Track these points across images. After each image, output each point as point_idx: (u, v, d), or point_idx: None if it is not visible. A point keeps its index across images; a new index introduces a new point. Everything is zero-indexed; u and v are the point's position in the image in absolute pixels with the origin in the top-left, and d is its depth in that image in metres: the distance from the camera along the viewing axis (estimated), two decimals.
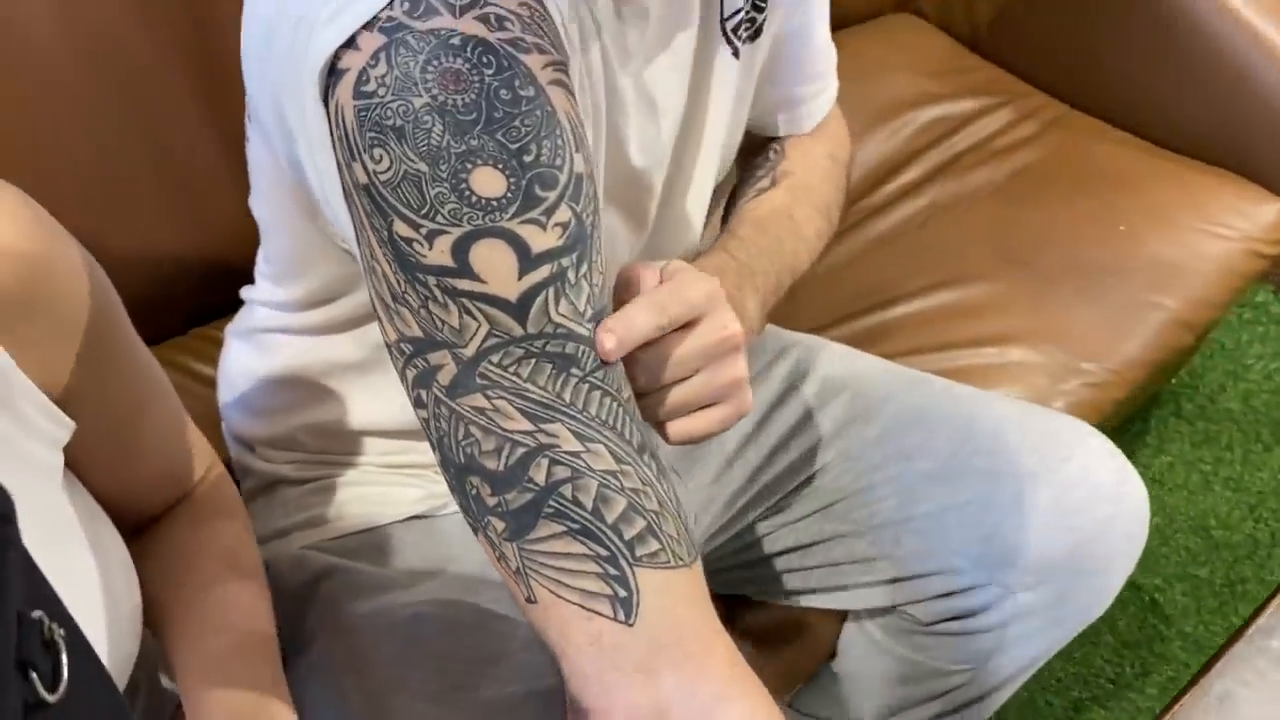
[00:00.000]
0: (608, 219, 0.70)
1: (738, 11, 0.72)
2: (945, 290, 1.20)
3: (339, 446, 0.80)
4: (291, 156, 0.58)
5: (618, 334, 0.52)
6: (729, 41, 0.73)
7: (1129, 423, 1.57)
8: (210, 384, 0.90)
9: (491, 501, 0.51)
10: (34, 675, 0.31)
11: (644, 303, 0.55)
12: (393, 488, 0.80)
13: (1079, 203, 1.31)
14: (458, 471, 0.52)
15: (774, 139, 0.86)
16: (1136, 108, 1.43)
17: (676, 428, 0.59)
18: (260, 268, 0.80)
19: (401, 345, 0.52)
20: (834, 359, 0.91)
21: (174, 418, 0.67)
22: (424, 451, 0.58)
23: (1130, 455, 0.81)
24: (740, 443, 0.88)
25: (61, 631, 0.33)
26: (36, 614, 0.32)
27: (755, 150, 0.86)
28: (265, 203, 0.73)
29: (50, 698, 0.31)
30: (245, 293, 0.84)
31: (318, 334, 0.77)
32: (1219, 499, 1.55)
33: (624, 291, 0.57)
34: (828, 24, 0.83)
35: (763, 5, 0.75)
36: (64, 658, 0.33)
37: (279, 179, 0.66)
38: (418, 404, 0.53)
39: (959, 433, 0.82)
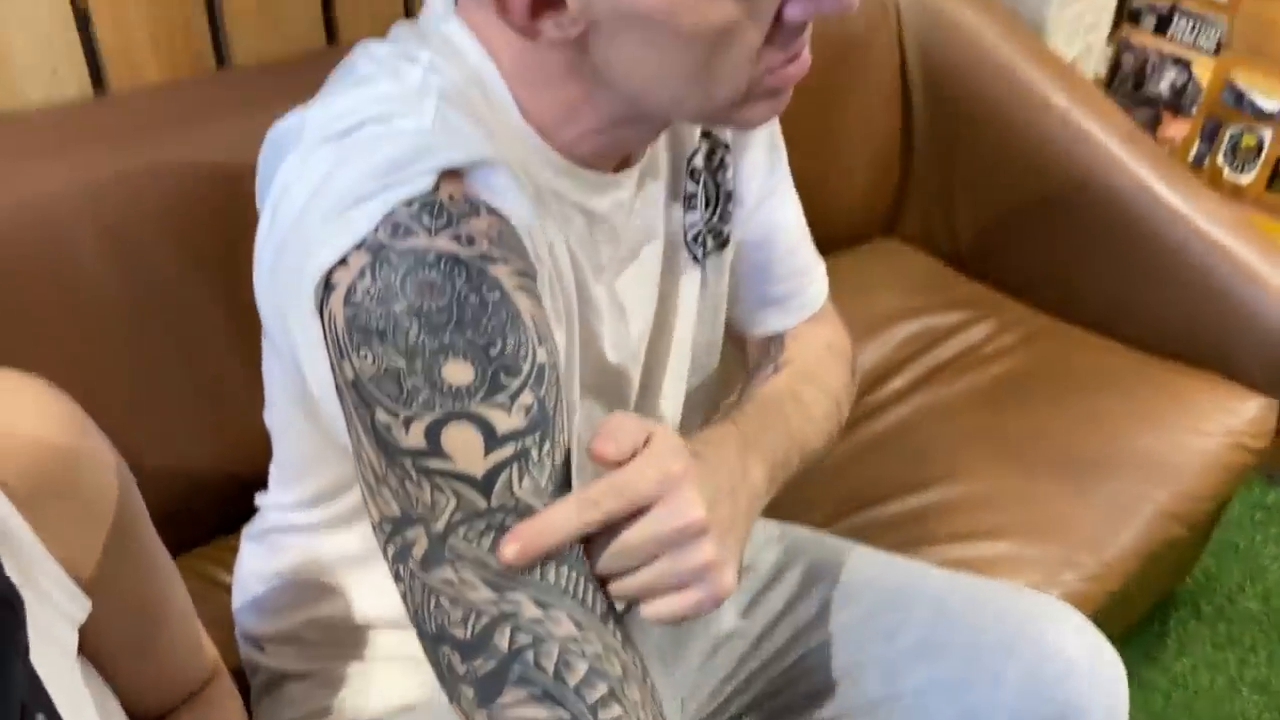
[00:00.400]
0: (590, 409, 0.77)
1: (696, 225, 0.81)
2: (936, 487, 1.24)
3: (343, 640, 0.84)
4: (295, 363, 0.66)
5: (523, 540, 0.54)
6: (691, 253, 0.82)
7: (1147, 624, 1.56)
8: (230, 590, 0.95)
9: (461, 670, 0.55)
10: None
11: (572, 500, 0.56)
12: (394, 678, 0.83)
13: (1064, 405, 1.37)
14: (431, 642, 0.56)
15: (774, 336, 0.90)
16: (1115, 317, 1.51)
17: (649, 610, 0.59)
18: (272, 473, 0.87)
19: (383, 524, 0.57)
20: (819, 546, 0.94)
21: (186, 622, 0.71)
22: None
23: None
24: (727, 629, 0.90)
25: None
26: (40, 717, 0.36)
27: (758, 349, 0.91)
28: (275, 411, 0.81)
29: None
30: (259, 498, 0.91)
31: (322, 530, 0.83)
32: (1247, 703, 1.51)
33: (600, 444, 0.59)
34: (800, 226, 0.90)
35: (729, 216, 0.84)
36: None
37: (286, 387, 0.74)
38: (397, 579, 0.57)
39: (937, 610, 0.85)
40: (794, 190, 0.90)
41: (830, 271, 0.92)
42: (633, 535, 0.57)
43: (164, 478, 0.96)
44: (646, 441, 0.59)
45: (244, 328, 0.99)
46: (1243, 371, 1.41)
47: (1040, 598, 0.87)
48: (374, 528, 0.58)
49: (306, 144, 0.62)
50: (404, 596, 0.57)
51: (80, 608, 0.58)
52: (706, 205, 0.82)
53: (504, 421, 0.56)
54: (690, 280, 0.82)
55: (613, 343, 0.77)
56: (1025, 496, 1.23)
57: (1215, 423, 1.35)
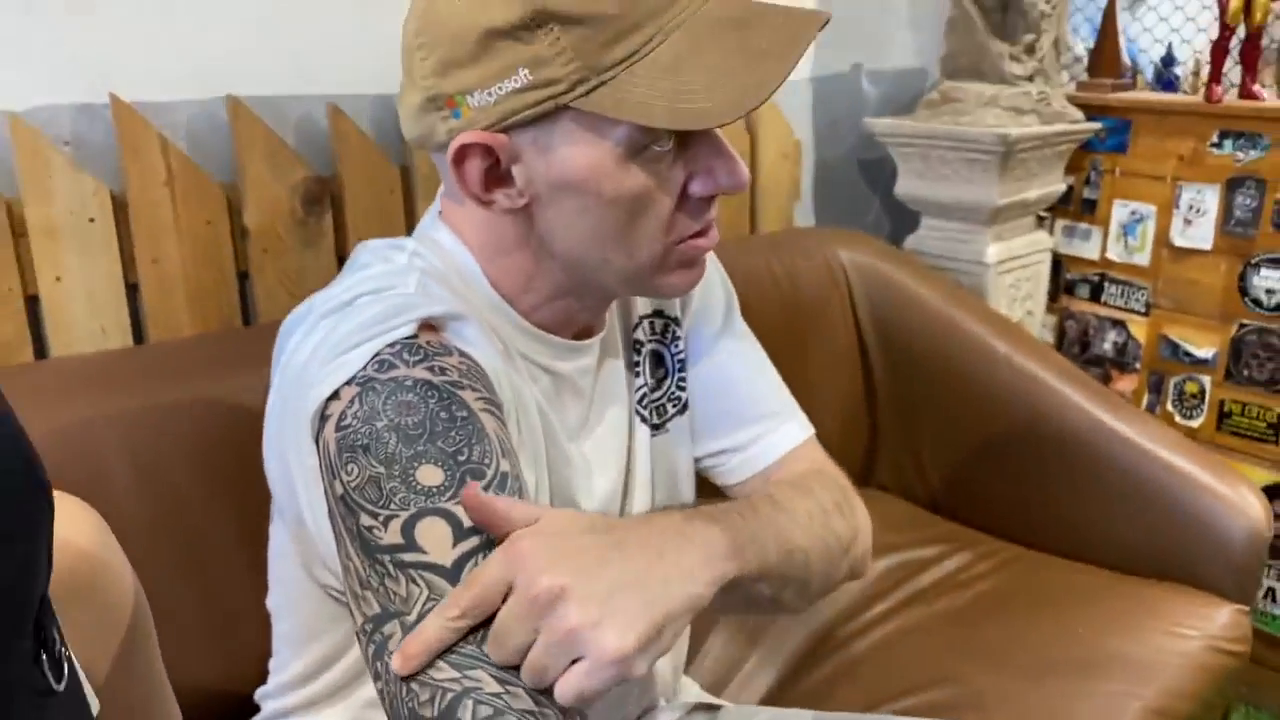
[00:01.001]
0: None
1: (642, 390, 0.92)
2: (928, 691, 1.25)
3: None
4: (295, 513, 0.75)
5: (405, 653, 0.58)
6: (641, 417, 0.92)
7: None
8: None
9: None
10: (44, 658, 0.41)
11: (436, 610, 0.59)
12: None
13: (1041, 618, 1.41)
14: None
15: (738, 485, 0.96)
16: (1083, 541, 1.57)
17: (557, 694, 0.58)
18: (272, 664, 0.93)
19: (365, 626, 0.63)
20: None
21: None
22: None
23: None
24: None
25: (66, 651, 0.43)
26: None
27: (747, 478, 0.95)
28: (278, 588, 0.88)
29: (57, 686, 0.41)
30: (259, 695, 0.95)
31: (315, 706, 0.88)
32: None
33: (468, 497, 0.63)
34: (762, 374, 0.96)
35: (685, 383, 0.95)
36: (65, 664, 0.42)
37: (284, 552, 0.82)
38: (375, 677, 0.62)
39: None
40: (762, 354, 0.98)
41: None
42: (498, 620, 0.59)
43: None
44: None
45: (255, 552, 1.08)
46: (1211, 582, 1.45)
47: None
48: (357, 635, 0.64)
49: (310, 320, 0.75)
50: (381, 693, 0.62)
51: (92, 707, 0.63)
52: (654, 374, 0.93)
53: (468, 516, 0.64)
54: (642, 444, 0.92)
55: (585, 493, 0.85)
56: (1015, 696, 1.25)
57: (1190, 628, 1.38)
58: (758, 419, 0.94)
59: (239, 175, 1.30)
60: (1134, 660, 1.32)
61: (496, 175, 0.74)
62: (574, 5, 0.68)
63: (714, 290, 0.97)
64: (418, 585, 0.61)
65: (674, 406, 0.94)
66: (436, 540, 0.62)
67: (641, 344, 0.92)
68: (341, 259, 1.40)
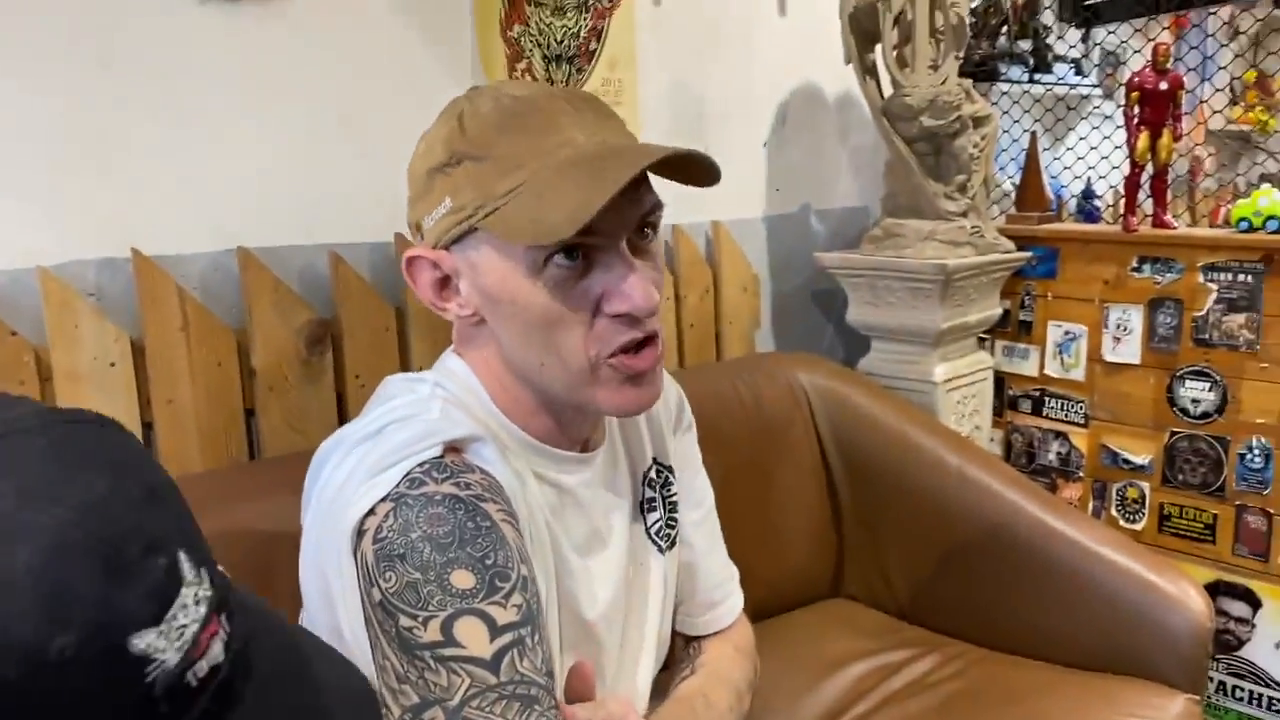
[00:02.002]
0: (570, 662, 0.92)
1: (658, 522, 1.03)
2: None
3: None
4: (333, 625, 0.82)
5: None
6: (656, 545, 1.02)
7: None
8: None
9: None
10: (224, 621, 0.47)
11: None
12: None
13: (1008, 714, 1.49)
14: None
15: (691, 640, 1.11)
16: (1042, 640, 1.66)
17: None
18: None
19: (405, 716, 0.72)
20: None
21: None
22: None
23: None
24: None
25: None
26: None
27: (679, 647, 1.11)
28: None
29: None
30: None
31: None
32: None
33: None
34: (719, 556, 1.14)
35: (675, 523, 1.06)
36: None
37: None
38: None
39: None
40: (717, 522, 1.14)
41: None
42: None
43: None
44: None
45: None
46: (1162, 673, 1.55)
47: None
48: None
49: (344, 448, 0.85)
50: None
51: None
52: (660, 509, 1.04)
53: (502, 615, 0.73)
54: (657, 568, 1.03)
55: (589, 603, 0.94)
56: None
57: (1146, 717, 1.47)
58: (713, 588, 1.12)
59: (248, 319, 1.41)
60: None
61: (447, 287, 0.88)
62: (478, 148, 0.83)
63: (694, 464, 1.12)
64: (459, 676, 0.70)
65: (666, 542, 1.04)
66: (474, 637, 0.71)
67: (654, 482, 1.03)
68: (340, 395, 1.50)
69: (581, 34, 1.75)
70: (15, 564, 0.40)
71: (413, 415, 0.85)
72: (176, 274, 1.35)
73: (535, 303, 0.83)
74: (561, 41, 1.73)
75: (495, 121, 0.84)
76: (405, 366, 1.55)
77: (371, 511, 0.77)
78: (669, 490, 1.06)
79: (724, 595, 1.12)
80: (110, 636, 0.42)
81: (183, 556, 0.46)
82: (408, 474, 0.78)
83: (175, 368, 1.35)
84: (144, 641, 0.43)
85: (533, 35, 1.69)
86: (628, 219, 0.83)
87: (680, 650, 1.10)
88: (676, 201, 0.94)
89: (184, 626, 0.45)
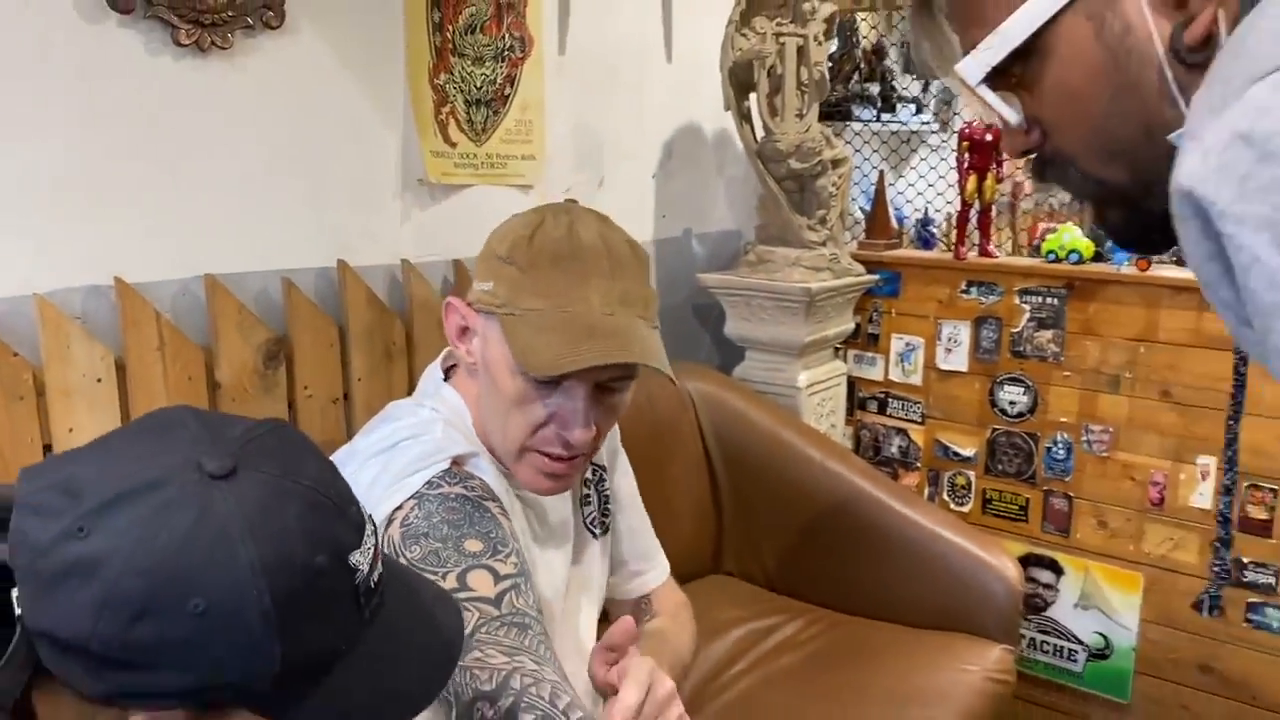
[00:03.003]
0: None
1: (591, 514, 1.28)
2: None
3: None
4: None
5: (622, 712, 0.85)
6: (591, 532, 1.28)
7: None
8: None
9: (490, 713, 0.89)
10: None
11: (630, 685, 0.87)
12: None
13: (862, 666, 1.81)
14: (468, 704, 0.89)
15: (642, 597, 1.39)
16: (886, 604, 2.00)
17: None
18: None
19: None
20: None
21: None
22: None
23: None
24: None
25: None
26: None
27: (633, 606, 1.37)
28: None
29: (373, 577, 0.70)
30: None
31: None
32: None
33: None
34: (647, 531, 1.40)
35: (609, 512, 1.31)
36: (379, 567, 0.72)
37: None
38: None
39: None
40: (643, 512, 1.42)
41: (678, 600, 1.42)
42: (651, 703, 0.87)
43: None
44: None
45: None
46: (983, 629, 1.90)
47: None
48: None
49: (359, 459, 1.07)
50: (446, 692, 0.91)
51: None
52: (595, 503, 1.30)
53: (503, 568, 0.98)
54: (593, 550, 1.28)
55: (545, 583, 1.19)
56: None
57: (971, 665, 1.82)
58: (644, 557, 1.40)
59: (213, 339, 1.58)
60: (932, 691, 1.74)
61: (465, 334, 1.12)
62: (527, 265, 1.05)
63: (623, 470, 1.39)
64: (471, 612, 0.93)
65: (601, 529, 1.30)
66: (483, 583, 0.95)
67: (589, 482, 1.28)
68: (291, 403, 1.69)
69: (498, 81, 1.98)
70: (287, 515, 0.63)
71: (421, 434, 1.08)
72: (152, 299, 1.52)
73: (506, 390, 1.07)
74: (481, 88, 1.95)
75: (550, 252, 1.04)
76: (347, 379, 1.76)
77: (399, 507, 1.00)
78: (603, 486, 1.32)
79: (651, 565, 1.39)
80: (340, 554, 0.66)
81: (361, 505, 0.70)
82: (427, 480, 1.02)
83: (152, 382, 1.52)
84: (354, 558, 0.66)
85: (456, 82, 1.91)
86: (595, 377, 1.05)
87: (634, 608, 1.37)
88: None
89: (369, 550, 0.68)
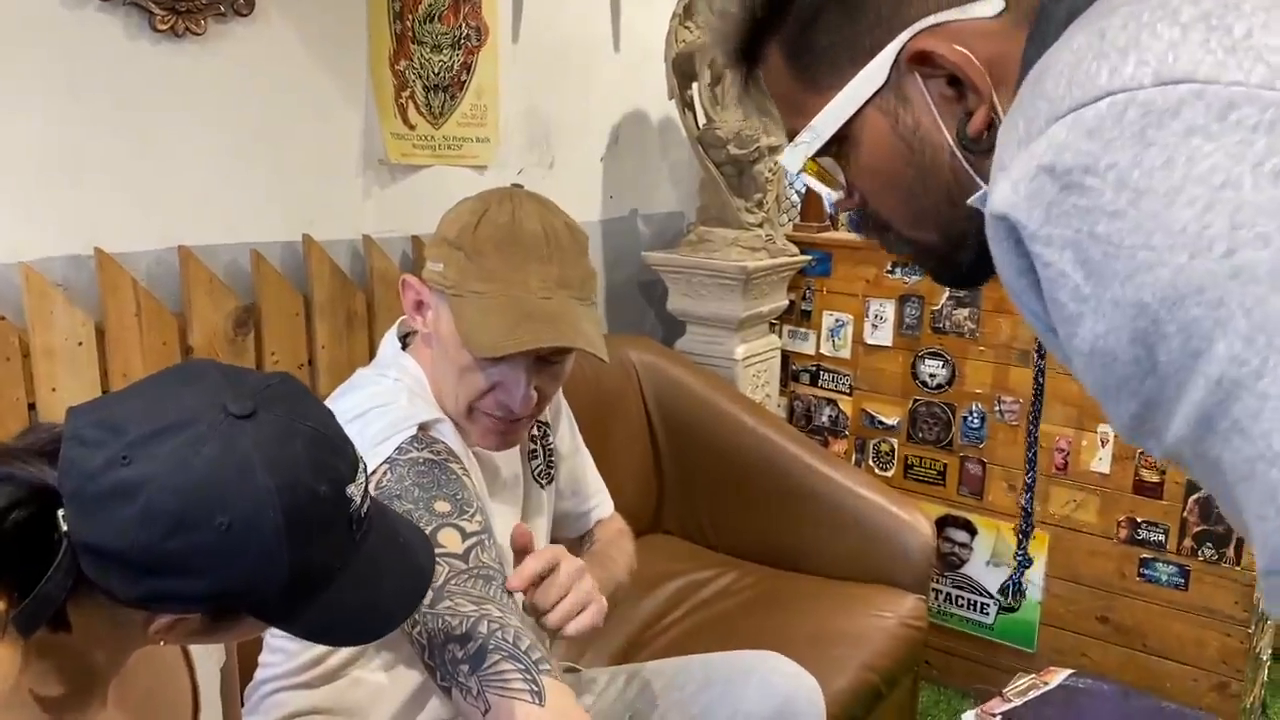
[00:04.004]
0: None
1: (539, 466, 1.41)
2: None
3: None
4: None
5: (510, 583, 1.07)
6: (538, 483, 1.41)
7: None
8: None
9: (460, 654, 1.02)
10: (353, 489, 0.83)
11: (531, 559, 1.09)
12: None
13: (789, 613, 1.97)
14: (439, 648, 1.02)
15: (586, 531, 1.53)
16: (813, 559, 2.16)
17: (571, 628, 1.08)
18: (273, 646, 1.30)
19: None
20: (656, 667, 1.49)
21: None
22: None
23: None
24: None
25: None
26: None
27: (577, 542, 1.51)
28: None
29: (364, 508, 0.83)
30: (259, 674, 1.32)
31: (317, 683, 1.26)
32: None
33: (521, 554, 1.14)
34: (591, 469, 1.54)
35: (554, 464, 1.45)
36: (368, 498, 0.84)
37: None
38: (412, 625, 1.04)
39: (712, 668, 1.40)
40: (588, 455, 1.55)
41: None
42: (557, 576, 1.08)
43: None
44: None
45: None
46: (899, 580, 2.07)
47: (768, 653, 1.44)
48: None
49: None
50: (419, 636, 1.03)
51: None
52: (541, 457, 1.43)
53: (469, 526, 1.11)
54: (541, 500, 1.41)
55: (499, 534, 1.32)
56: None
57: (888, 612, 1.99)
58: (594, 495, 1.54)
59: (186, 306, 1.69)
60: (851, 635, 1.91)
61: (420, 309, 1.24)
62: (473, 251, 1.18)
63: (567, 424, 1.53)
64: (442, 566, 1.05)
65: (546, 480, 1.43)
66: (452, 540, 1.08)
67: (535, 438, 1.42)
68: (259, 368, 1.80)
69: (455, 67, 2.10)
70: (297, 449, 0.76)
71: (388, 403, 1.19)
72: (130, 268, 1.62)
73: (456, 360, 1.20)
74: (439, 74, 2.07)
75: (493, 239, 1.17)
76: (311, 346, 1.87)
77: (373, 472, 1.12)
78: (548, 441, 1.45)
79: (596, 503, 1.53)
80: (339, 484, 0.78)
81: (355, 446, 0.83)
82: (397, 446, 1.14)
83: (129, 347, 1.62)
84: (349, 490, 0.79)
85: (415, 68, 2.03)
86: (534, 353, 1.18)
87: (576, 543, 1.51)
88: None
89: (363, 483, 0.81)
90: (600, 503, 1.55)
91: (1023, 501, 1.74)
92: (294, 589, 0.77)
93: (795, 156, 0.74)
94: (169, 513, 0.72)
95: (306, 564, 0.76)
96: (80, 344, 1.57)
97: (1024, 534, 1.77)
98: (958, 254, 0.72)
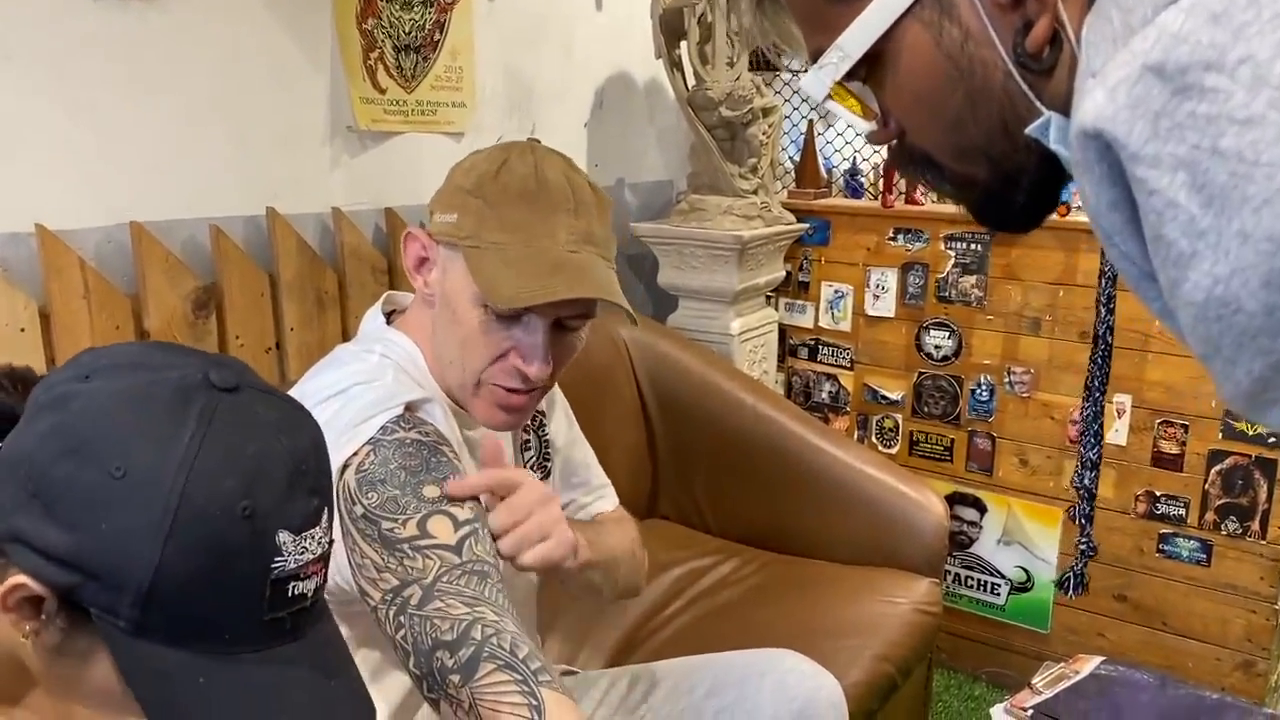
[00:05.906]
0: None
1: (531, 459, 1.29)
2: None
3: None
4: (339, 562, 1.02)
5: (453, 489, 0.96)
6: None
7: None
8: None
9: (450, 663, 0.91)
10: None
11: (482, 474, 1.00)
12: None
13: (796, 601, 1.86)
14: (426, 655, 0.91)
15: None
16: (818, 542, 2.05)
17: (528, 557, 0.98)
18: None
19: (385, 597, 0.95)
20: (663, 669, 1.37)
21: None
22: None
23: None
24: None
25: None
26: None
27: None
28: None
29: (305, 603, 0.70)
30: None
31: None
32: None
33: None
34: (595, 463, 1.41)
35: (549, 456, 1.33)
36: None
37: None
38: (397, 628, 0.94)
39: (724, 670, 1.28)
40: (588, 444, 1.42)
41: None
42: (517, 497, 0.99)
43: None
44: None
45: None
46: (911, 563, 1.96)
47: (783, 651, 1.32)
48: (375, 608, 0.95)
49: (307, 404, 1.06)
50: (404, 638, 0.92)
51: None
52: (535, 448, 1.31)
53: (461, 514, 0.98)
54: None
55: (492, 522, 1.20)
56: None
57: (900, 598, 1.88)
58: (591, 489, 1.40)
59: (140, 287, 1.56)
60: (863, 623, 1.80)
61: (424, 265, 1.12)
62: (494, 199, 1.06)
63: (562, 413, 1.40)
64: (432, 560, 0.93)
65: (542, 473, 1.31)
66: (443, 529, 0.95)
67: (529, 428, 1.29)
68: (222, 351, 1.67)
69: (427, 26, 1.96)
70: (248, 451, 0.63)
71: (373, 380, 1.06)
72: (76, 246, 1.49)
73: (467, 321, 1.07)
74: (410, 33, 1.93)
75: (517, 188, 1.05)
76: (279, 328, 1.74)
77: (355, 453, 0.99)
78: (543, 432, 1.33)
79: (600, 495, 1.40)
80: (266, 520, 0.63)
81: (328, 511, 0.69)
82: (383, 426, 1.01)
83: (78, 331, 1.49)
84: (281, 538, 0.64)
85: (384, 27, 1.89)
86: (556, 312, 1.06)
87: None
88: None
89: (305, 550, 0.66)
90: (606, 496, 1.42)
91: (1085, 481, 1.61)
92: (149, 606, 0.61)
93: (820, 81, 0.64)
94: (76, 434, 0.62)
95: (175, 583, 0.61)
96: (23, 329, 1.44)
97: (1086, 518, 1.64)
98: (1010, 192, 0.62)
